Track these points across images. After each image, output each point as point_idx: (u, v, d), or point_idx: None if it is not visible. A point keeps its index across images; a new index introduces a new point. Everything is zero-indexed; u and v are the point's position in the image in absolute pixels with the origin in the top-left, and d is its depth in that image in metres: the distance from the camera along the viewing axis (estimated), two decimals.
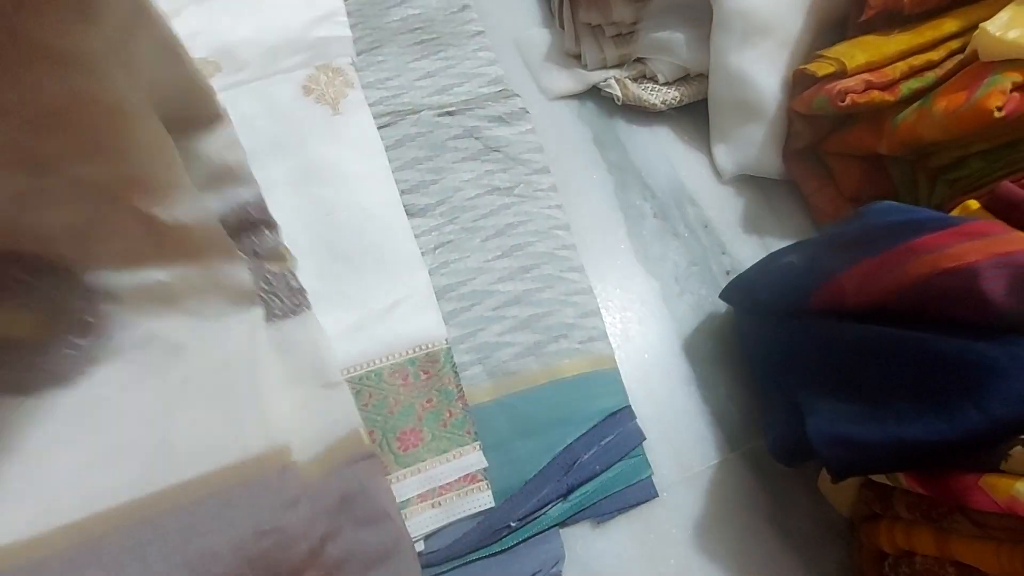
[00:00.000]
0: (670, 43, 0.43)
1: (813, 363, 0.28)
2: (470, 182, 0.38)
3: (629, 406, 0.33)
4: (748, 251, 0.41)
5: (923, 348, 0.24)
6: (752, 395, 0.36)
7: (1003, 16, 0.31)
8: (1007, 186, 0.26)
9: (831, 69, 0.37)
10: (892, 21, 0.37)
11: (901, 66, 0.35)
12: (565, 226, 0.38)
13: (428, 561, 0.29)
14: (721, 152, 0.44)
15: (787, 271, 0.31)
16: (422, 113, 0.39)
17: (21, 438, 0.23)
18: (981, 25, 0.31)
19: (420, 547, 0.29)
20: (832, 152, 0.41)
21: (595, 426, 0.32)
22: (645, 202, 0.42)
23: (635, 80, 0.44)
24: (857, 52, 0.36)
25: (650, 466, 0.32)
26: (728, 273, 0.40)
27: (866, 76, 0.35)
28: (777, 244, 0.42)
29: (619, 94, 0.44)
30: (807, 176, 0.42)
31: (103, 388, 0.24)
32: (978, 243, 0.24)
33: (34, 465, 0.23)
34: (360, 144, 0.37)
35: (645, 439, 0.33)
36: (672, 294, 0.39)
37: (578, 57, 0.46)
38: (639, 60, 0.45)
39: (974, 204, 0.27)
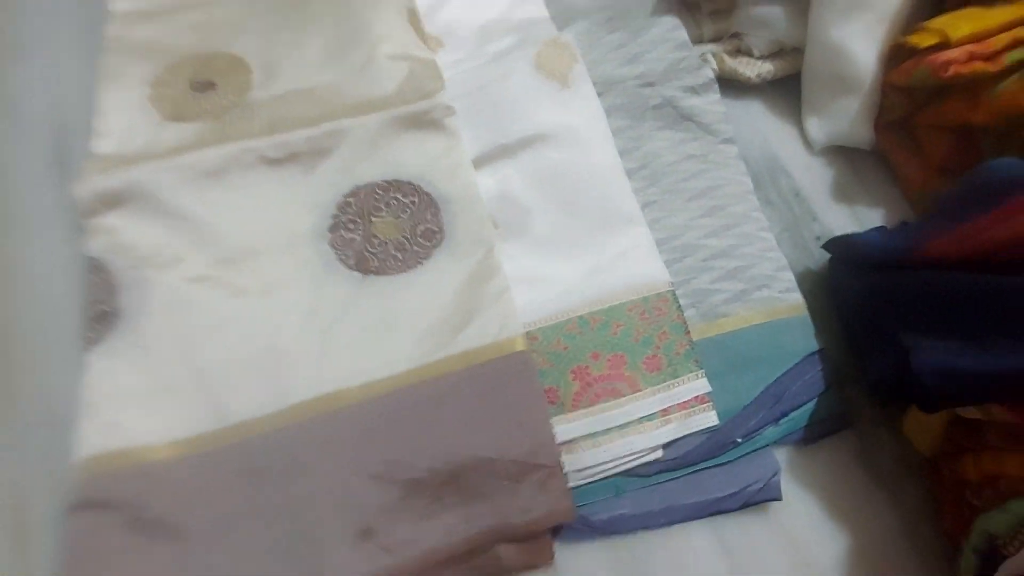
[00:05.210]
0: (768, 17, 0.45)
1: (917, 307, 0.31)
2: (667, 149, 0.43)
3: (823, 348, 0.37)
4: (838, 219, 0.44)
5: None
6: (839, 349, 0.39)
7: None
8: None
9: (934, 40, 0.38)
10: None
11: (1005, 37, 0.37)
12: (752, 191, 0.42)
13: (666, 467, 0.34)
14: (813, 124, 0.46)
15: (889, 229, 0.34)
16: (625, 84, 0.44)
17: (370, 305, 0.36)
18: None
19: (659, 454, 0.34)
20: (924, 124, 0.43)
21: (798, 364, 0.37)
22: None
23: (731, 54, 0.47)
24: (961, 23, 0.38)
25: (841, 403, 0.37)
26: (818, 238, 0.43)
27: (969, 47, 0.37)
28: (866, 212, 0.44)
29: (715, 68, 0.46)
30: (897, 147, 0.44)
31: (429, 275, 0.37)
32: None
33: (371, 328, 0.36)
34: (586, 112, 0.42)
35: (836, 379, 0.37)
36: None
37: None
38: (735, 35, 0.47)
39: None
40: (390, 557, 0.30)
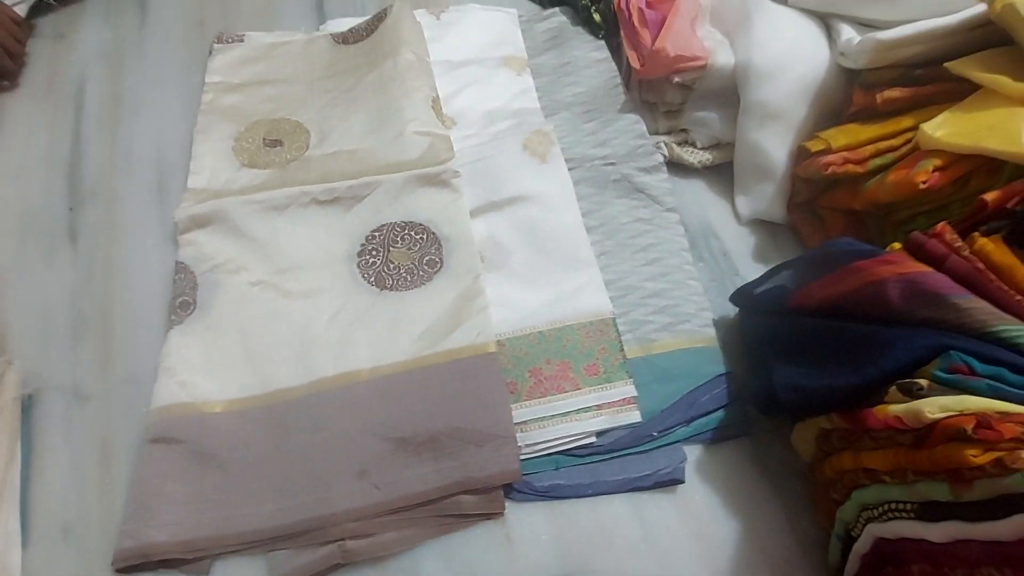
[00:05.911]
0: (707, 120, 0.59)
1: (784, 344, 0.41)
2: (622, 212, 0.55)
3: (731, 372, 0.47)
4: (755, 274, 0.54)
5: (850, 331, 0.38)
6: (744, 374, 0.49)
7: (937, 119, 0.45)
8: (915, 235, 0.39)
9: (821, 147, 0.51)
10: (869, 116, 0.51)
11: (870, 148, 0.49)
12: (687, 248, 0.54)
13: (596, 451, 0.44)
14: (741, 201, 0.58)
15: (775, 286, 0.45)
16: (594, 162, 0.57)
17: (382, 311, 0.47)
18: (920, 125, 0.45)
19: (593, 439, 0.44)
20: (824, 206, 0.55)
21: (708, 381, 0.46)
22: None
23: (679, 144, 0.60)
24: (841, 136, 0.51)
25: (743, 414, 0.46)
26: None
27: (845, 153, 0.50)
28: None
29: (666, 154, 0.59)
30: (804, 223, 0.56)
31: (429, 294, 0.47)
32: (889, 267, 0.37)
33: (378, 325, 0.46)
34: (558, 182, 0.54)
35: (738, 396, 0.46)
36: None
37: None
38: (683, 130, 0.60)
39: (897, 245, 0.41)
40: (379, 493, 0.39)
